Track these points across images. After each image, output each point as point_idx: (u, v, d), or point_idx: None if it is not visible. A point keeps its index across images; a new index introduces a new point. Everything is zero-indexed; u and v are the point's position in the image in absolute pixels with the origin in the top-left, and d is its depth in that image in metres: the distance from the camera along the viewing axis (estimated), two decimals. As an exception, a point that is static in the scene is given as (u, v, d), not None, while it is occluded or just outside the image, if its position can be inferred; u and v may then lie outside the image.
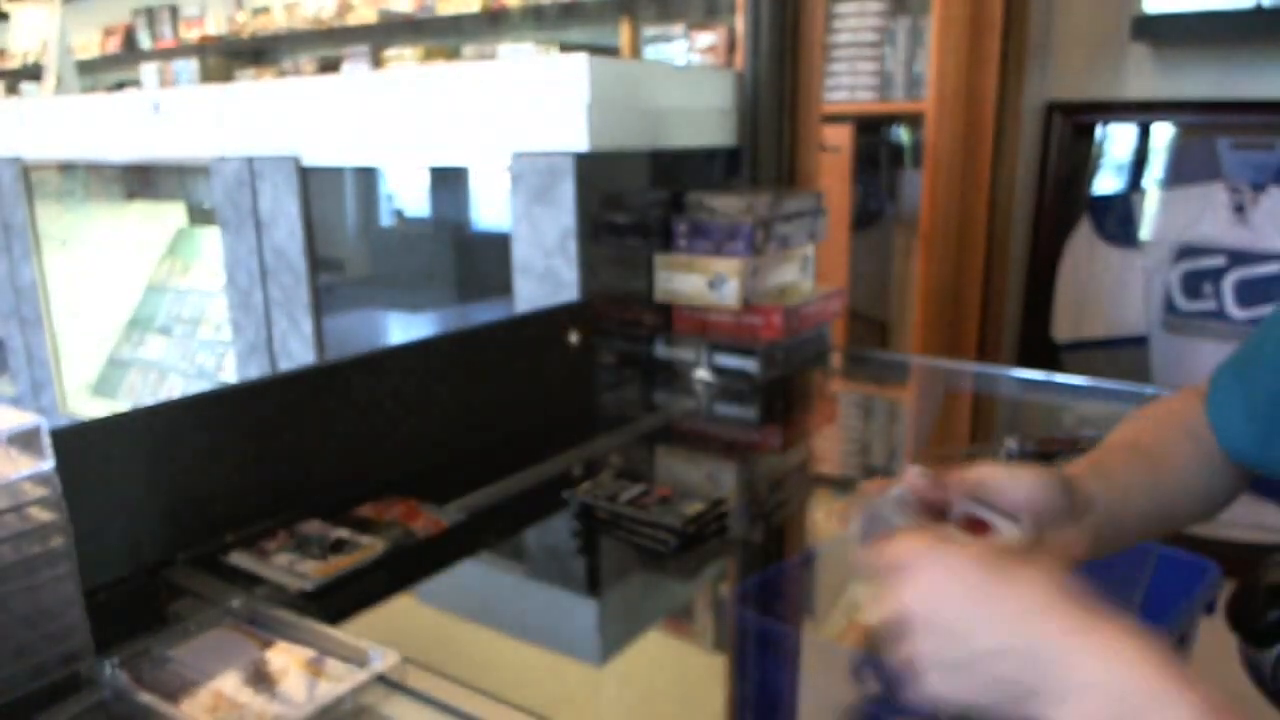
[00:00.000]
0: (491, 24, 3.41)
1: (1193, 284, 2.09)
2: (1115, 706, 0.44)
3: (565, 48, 3.30)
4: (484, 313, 1.82)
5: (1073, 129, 2.26)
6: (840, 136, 2.31)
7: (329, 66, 4.04)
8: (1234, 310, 2.03)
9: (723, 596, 0.81)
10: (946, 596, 0.50)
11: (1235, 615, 0.76)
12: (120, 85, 5.04)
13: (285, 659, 0.68)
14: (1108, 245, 2.22)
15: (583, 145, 1.30)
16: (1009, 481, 0.62)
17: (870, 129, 2.54)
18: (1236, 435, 0.72)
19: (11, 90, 5.39)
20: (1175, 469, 0.75)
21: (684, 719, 0.68)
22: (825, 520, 1.03)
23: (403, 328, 2.07)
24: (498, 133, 1.40)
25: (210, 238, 2.45)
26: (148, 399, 2.53)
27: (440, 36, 3.67)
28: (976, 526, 0.61)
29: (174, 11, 4.68)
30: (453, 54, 3.65)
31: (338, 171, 1.86)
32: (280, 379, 0.97)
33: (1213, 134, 2.08)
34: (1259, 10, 1.91)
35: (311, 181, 1.75)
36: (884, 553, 0.53)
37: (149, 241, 2.72)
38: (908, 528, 0.58)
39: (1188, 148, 2.13)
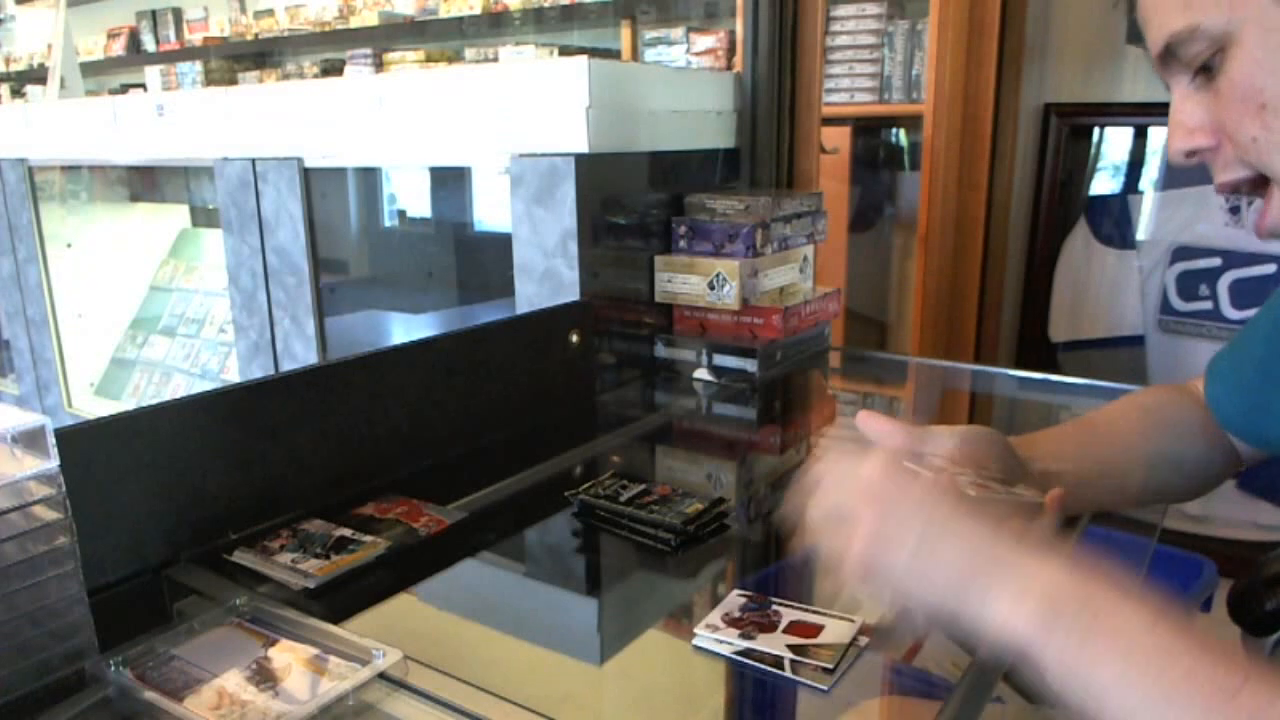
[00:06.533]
0: (493, 27, 3.42)
1: (1188, 285, 2.09)
2: (1050, 603, 0.49)
3: (566, 51, 3.31)
4: (485, 313, 1.82)
5: (1070, 131, 2.26)
6: (839, 138, 2.32)
7: (332, 69, 4.05)
8: (1229, 310, 2.03)
9: (722, 595, 0.81)
10: (911, 515, 0.56)
11: (1237, 606, 0.79)
12: (125, 88, 5.06)
13: (288, 657, 0.68)
14: (1104, 246, 2.23)
15: (583, 147, 1.31)
16: (946, 432, 0.70)
17: (869, 131, 2.55)
18: (1228, 408, 0.81)
19: (17, 93, 5.40)
20: (1122, 434, 0.83)
21: (684, 718, 0.69)
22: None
23: (405, 328, 2.07)
24: (498, 134, 1.40)
25: (213, 239, 2.46)
26: (152, 399, 2.54)
27: (442, 39, 3.68)
28: None
29: (178, 15, 4.69)
30: (454, 57, 3.66)
31: (340, 172, 1.87)
32: (283, 379, 0.98)
33: (1209, 136, 2.09)
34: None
35: (314, 182, 1.76)
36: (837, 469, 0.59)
37: (152, 242, 2.73)
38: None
39: (1184, 149, 2.14)
